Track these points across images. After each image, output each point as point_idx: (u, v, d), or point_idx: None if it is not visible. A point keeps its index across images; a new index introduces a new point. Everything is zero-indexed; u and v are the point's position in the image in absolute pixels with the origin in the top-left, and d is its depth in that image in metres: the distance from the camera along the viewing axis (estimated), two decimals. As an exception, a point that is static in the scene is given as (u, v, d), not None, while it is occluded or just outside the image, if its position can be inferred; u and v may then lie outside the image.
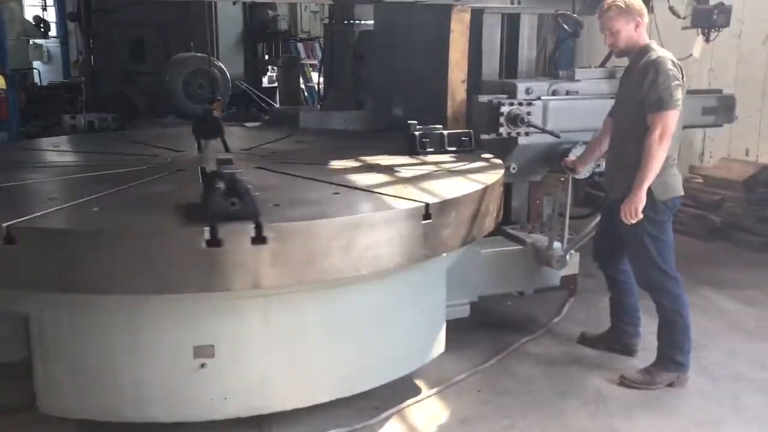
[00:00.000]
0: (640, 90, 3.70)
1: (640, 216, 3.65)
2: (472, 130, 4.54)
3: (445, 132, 4.47)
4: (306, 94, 10.26)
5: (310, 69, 10.67)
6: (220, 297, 2.92)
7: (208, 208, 2.67)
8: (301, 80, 9.97)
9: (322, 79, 7.93)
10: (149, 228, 2.78)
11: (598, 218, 4.32)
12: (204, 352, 3.00)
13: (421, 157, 4.27)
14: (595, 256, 4.26)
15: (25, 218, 2.78)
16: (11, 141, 7.47)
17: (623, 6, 3.79)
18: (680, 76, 3.68)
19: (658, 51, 3.75)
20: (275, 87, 9.55)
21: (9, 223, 2.68)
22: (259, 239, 2.68)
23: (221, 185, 2.70)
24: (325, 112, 6.72)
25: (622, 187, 3.75)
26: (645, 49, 3.79)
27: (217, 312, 3.00)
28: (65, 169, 4.19)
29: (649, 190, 3.66)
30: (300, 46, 10.43)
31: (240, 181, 2.78)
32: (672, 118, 3.62)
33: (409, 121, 4.48)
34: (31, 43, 18.86)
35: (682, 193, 3.87)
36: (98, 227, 2.82)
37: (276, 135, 5.30)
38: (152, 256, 2.66)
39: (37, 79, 14.49)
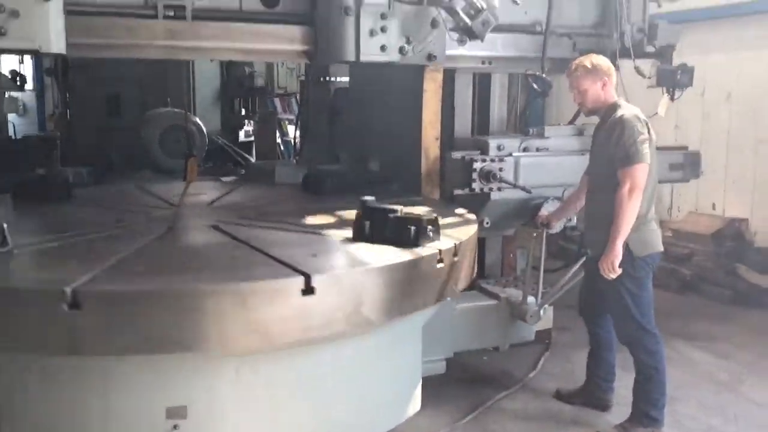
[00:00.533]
0: (608, 148, 3.80)
1: (619, 271, 3.70)
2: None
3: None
4: (282, 148, 10.34)
5: (287, 123, 10.78)
6: (193, 357, 2.89)
7: (418, 238, 3.29)
8: (278, 134, 10.07)
9: (298, 134, 8.03)
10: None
11: (572, 272, 4.38)
12: (176, 413, 2.95)
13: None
14: (580, 310, 4.29)
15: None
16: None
17: (590, 66, 3.92)
18: (646, 131, 3.79)
19: (625, 108, 3.87)
20: (252, 141, 9.62)
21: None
22: (455, 254, 3.39)
23: (424, 218, 3.36)
24: (301, 167, 6.77)
25: (600, 244, 3.81)
26: (612, 107, 3.91)
27: (190, 372, 2.96)
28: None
29: (627, 246, 3.72)
30: (276, 101, 10.56)
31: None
32: (640, 172, 3.70)
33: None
34: (6, 95, 18.79)
35: (661, 249, 3.92)
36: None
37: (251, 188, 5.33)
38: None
39: (11, 132, 14.42)
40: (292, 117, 11.06)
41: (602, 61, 3.98)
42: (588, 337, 4.28)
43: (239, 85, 8.66)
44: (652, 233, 3.86)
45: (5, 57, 20.27)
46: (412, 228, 3.29)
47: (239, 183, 6.05)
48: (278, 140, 10.09)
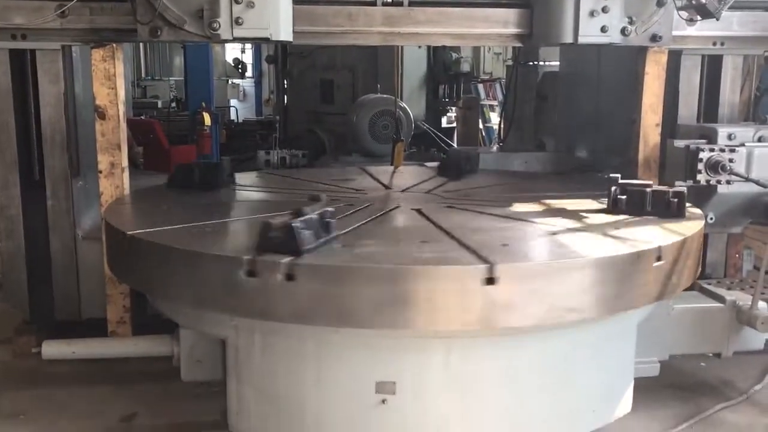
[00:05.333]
0: None
1: None
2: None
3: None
4: (484, 134, 10.30)
5: (489, 110, 10.71)
6: (404, 335, 2.95)
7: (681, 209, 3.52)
8: (480, 121, 10.04)
9: (502, 120, 7.94)
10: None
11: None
12: (386, 388, 3.03)
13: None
14: None
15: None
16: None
17: None
18: None
19: None
20: (453, 127, 9.68)
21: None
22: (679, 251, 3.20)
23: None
24: (505, 153, 6.71)
25: None
26: None
27: (400, 350, 3.03)
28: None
29: None
30: (480, 86, 10.53)
31: None
32: None
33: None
34: (229, 83, 20.61)
35: None
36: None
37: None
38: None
39: (233, 116, 15.78)
40: (494, 103, 11.00)
41: None
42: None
43: (445, 70, 8.72)
44: None
45: (229, 47, 22.27)
46: (675, 200, 3.47)
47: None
48: (480, 126, 10.06)
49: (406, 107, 7.41)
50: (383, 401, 3.03)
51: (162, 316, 3.67)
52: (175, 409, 3.79)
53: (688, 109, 4.82)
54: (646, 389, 3.77)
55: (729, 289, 4.31)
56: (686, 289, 3.67)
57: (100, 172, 4.26)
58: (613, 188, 3.65)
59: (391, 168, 5.55)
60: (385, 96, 7.49)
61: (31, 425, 3.61)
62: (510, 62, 7.66)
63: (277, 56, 9.46)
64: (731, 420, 3.87)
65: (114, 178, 4.27)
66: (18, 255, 4.44)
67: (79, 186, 4.58)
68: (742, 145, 4.33)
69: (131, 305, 4.32)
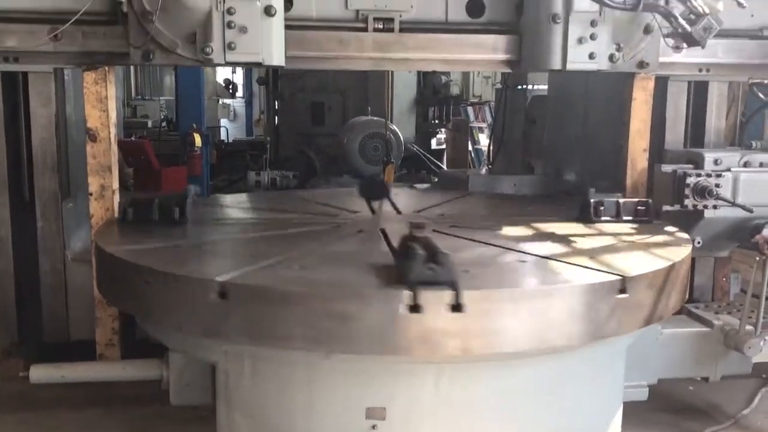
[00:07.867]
0: None
1: None
2: (650, 200, 4.18)
3: (621, 200, 4.14)
4: (473, 156, 10.36)
5: (478, 132, 10.79)
6: (395, 360, 2.95)
7: (408, 272, 2.69)
8: (469, 143, 10.10)
9: (491, 143, 8.00)
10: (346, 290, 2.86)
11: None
12: (376, 413, 3.02)
13: (597, 227, 4.14)
14: None
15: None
16: (203, 194, 8.13)
17: None
18: None
19: None
20: (443, 149, 9.73)
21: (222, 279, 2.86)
22: (456, 307, 2.66)
23: (420, 250, 2.75)
24: (495, 176, 6.75)
25: None
26: None
27: (390, 375, 3.03)
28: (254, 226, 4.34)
29: None
30: (469, 109, 10.61)
31: (437, 247, 2.83)
32: None
33: (590, 189, 4.15)
34: (220, 102, 20.65)
35: None
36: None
37: (446, 197, 5.35)
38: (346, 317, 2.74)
39: (224, 136, 15.78)
40: (484, 125, 11.08)
41: None
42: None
43: (434, 93, 8.80)
44: None
45: (220, 67, 22.32)
46: (404, 260, 2.79)
47: (432, 191, 6.14)
48: (470, 149, 10.12)
49: (396, 129, 7.46)
50: (373, 427, 3.03)
51: (151, 339, 3.66)
52: (164, 434, 3.77)
53: (674, 134, 4.89)
54: (635, 413, 3.78)
55: (717, 313, 4.33)
56: (674, 313, 3.71)
57: (91, 194, 4.25)
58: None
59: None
60: (375, 118, 7.55)
61: (18, 450, 3.58)
62: (499, 85, 7.73)
63: (269, 78, 9.53)
64: (720, 444, 3.89)
65: (104, 200, 4.25)
66: (7, 276, 4.42)
67: (69, 207, 4.57)
68: (728, 170, 4.38)
69: (120, 328, 4.30)
